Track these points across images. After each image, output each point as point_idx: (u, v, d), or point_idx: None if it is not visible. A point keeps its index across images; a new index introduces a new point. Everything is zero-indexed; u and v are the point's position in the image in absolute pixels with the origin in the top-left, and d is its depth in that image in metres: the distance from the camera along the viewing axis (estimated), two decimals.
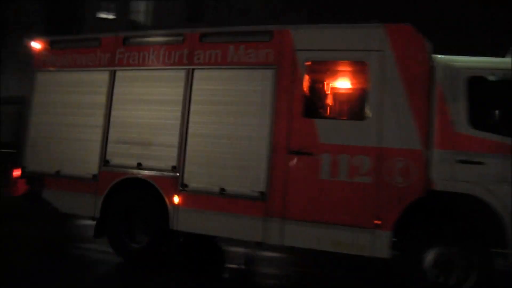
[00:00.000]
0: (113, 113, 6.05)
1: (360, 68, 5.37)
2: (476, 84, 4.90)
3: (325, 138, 5.24)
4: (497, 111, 4.81)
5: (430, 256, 4.95)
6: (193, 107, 5.75)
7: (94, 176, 6.09)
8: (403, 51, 5.15)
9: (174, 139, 5.76)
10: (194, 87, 5.80)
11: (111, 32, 6.37)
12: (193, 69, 5.83)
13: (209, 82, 5.74)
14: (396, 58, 5.15)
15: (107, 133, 6.10)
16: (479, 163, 4.82)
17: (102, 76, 6.20)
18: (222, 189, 5.56)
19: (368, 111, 5.21)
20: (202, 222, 5.57)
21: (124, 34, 6.27)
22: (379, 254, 5.01)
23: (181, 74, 5.83)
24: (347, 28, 5.32)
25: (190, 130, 5.68)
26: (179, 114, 5.75)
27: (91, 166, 6.11)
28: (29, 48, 6.60)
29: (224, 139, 5.59)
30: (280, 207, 5.37)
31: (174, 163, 5.76)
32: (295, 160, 5.30)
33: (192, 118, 5.69)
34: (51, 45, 6.56)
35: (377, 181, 5.07)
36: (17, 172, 6.54)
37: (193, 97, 5.77)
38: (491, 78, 4.85)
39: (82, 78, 6.28)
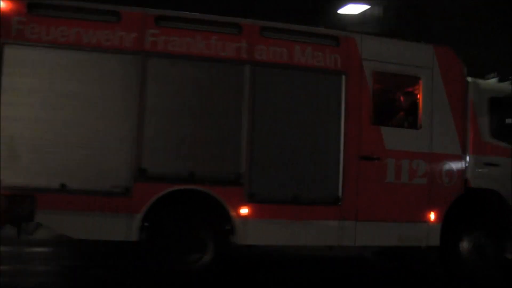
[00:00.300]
0: (148, 107, 4.98)
1: (415, 82, 6.05)
2: (494, 103, 6.31)
3: (389, 145, 5.82)
4: (508, 125, 6.34)
5: (466, 242, 6.18)
6: (257, 108, 5.33)
7: (127, 189, 4.98)
8: (447, 70, 6.04)
9: (237, 146, 5.27)
10: (257, 86, 5.35)
11: (132, 6, 5.18)
12: (254, 65, 5.35)
13: (274, 82, 5.40)
14: (442, 76, 6.02)
15: (141, 135, 5.00)
16: (497, 165, 6.28)
17: (122, 61, 5.03)
18: (295, 197, 5.46)
19: (422, 121, 6.08)
20: (273, 233, 5.35)
21: (158, 12, 5.22)
22: (433, 243, 5.93)
23: (239, 69, 5.26)
24: (408, 44, 5.95)
25: (254, 136, 5.25)
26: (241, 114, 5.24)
27: (119, 177, 4.96)
28: None
29: (296, 146, 5.48)
30: (353, 209, 5.69)
31: (239, 170, 5.27)
32: (365, 165, 5.73)
33: (255, 120, 5.28)
34: (30, 9, 5.00)
35: (430, 182, 5.99)
36: None
37: (257, 99, 5.34)
38: (505, 99, 6.33)
39: (89, 60, 4.96)
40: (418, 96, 6.02)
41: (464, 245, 6.15)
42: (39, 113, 4.86)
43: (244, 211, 5.33)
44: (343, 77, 5.63)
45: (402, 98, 6.30)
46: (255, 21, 5.42)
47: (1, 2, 4.90)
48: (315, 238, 5.51)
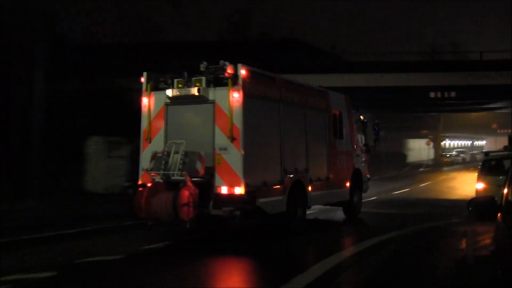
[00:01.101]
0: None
1: (341, 114, 12.84)
2: (364, 124, 13.90)
3: (338, 147, 12.22)
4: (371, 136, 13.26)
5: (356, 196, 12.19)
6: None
7: (280, 181, 10.69)
8: (348, 108, 12.43)
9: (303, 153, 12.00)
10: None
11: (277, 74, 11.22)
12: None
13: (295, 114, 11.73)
14: (347, 111, 12.95)
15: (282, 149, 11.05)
16: (358, 155, 13.51)
17: (274, 107, 11.26)
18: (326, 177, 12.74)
19: (344, 134, 12.99)
20: (318, 198, 12.01)
21: (285, 77, 11.59)
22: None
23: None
24: (339, 96, 12.62)
25: None
26: None
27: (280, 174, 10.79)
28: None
29: (314, 150, 12.10)
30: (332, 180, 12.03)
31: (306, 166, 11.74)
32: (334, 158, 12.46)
33: None
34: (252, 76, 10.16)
35: (347, 164, 11.57)
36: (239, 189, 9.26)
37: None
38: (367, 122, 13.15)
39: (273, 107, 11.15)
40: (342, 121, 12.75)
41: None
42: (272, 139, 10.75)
43: (309, 188, 11.42)
44: (326, 114, 11.96)
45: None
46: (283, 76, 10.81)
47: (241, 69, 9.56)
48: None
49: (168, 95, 10.06)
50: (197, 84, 9.84)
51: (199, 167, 9.73)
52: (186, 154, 9.86)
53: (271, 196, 10.54)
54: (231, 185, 9.65)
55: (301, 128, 11.91)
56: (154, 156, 10.15)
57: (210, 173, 9.76)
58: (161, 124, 10.53)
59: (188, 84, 9.88)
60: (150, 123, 10.52)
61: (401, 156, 68.57)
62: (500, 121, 68.27)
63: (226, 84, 9.80)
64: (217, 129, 9.89)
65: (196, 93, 9.74)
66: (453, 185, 30.07)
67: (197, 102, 9.94)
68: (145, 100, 10.58)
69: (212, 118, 9.89)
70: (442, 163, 62.25)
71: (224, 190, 9.70)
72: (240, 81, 9.65)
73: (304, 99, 12.04)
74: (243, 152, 9.74)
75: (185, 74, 9.89)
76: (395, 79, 28.73)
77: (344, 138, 13.45)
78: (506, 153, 15.47)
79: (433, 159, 66.15)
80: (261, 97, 10.51)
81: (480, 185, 14.56)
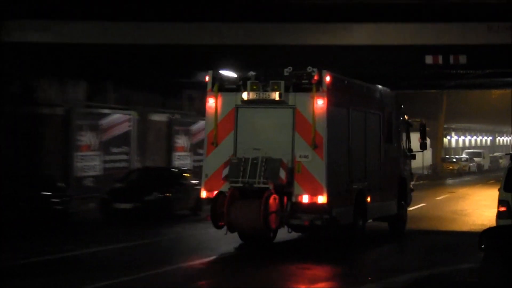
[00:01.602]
0: None
1: None
2: None
3: None
4: None
5: None
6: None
7: (347, 191, 17.05)
8: None
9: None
10: None
11: None
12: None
13: None
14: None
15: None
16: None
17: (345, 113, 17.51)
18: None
19: None
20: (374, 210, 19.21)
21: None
22: None
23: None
24: None
25: None
26: None
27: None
28: None
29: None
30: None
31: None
32: None
33: None
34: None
35: None
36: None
37: None
38: None
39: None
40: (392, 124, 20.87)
41: None
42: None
43: (368, 199, 18.22)
44: (380, 115, 19.92)
45: None
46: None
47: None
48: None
49: (243, 98, 14.87)
50: (275, 88, 14.80)
51: (283, 175, 15.03)
52: (266, 161, 14.94)
53: (342, 206, 16.52)
54: (313, 194, 15.12)
55: (362, 133, 17.48)
56: (228, 162, 15.35)
57: (289, 181, 15.26)
58: (230, 127, 15.34)
59: (265, 88, 14.81)
60: (217, 126, 15.19)
61: None
62: None
63: (307, 90, 15.00)
64: (297, 136, 15.07)
65: (277, 98, 14.76)
66: (463, 208, 31.31)
67: (274, 106, 14.97)
68: (211, 101, 15.34)
69: (292, 124, 15.21)
70: (444, 171, 64.88)
71: (305, 199, 15.17)
72: (324, 88, 14.80)
73: (365, 100, 17.61)
74: (326, 159, 15.00)
75: (262, 77, 15.02)
76: (369, 33, 29.33)
77: (393, 142, 19.95)
78: None
79: (431, 165, 68.67)
80: (339, 103, 15.62)
81: (503, 208, 15.15)
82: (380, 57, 30.65)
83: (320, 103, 15.77)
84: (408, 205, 22.44)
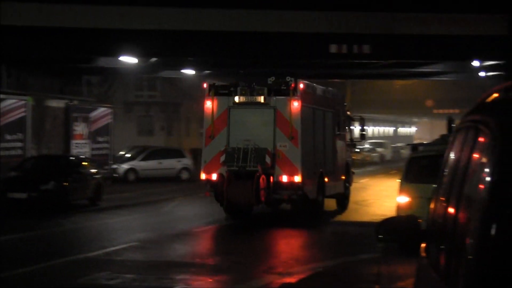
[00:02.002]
0: None
1: None
2: None
3: None
4: None
5: None
6: None
7: (314, 173, 23.08)
8: None
9: None
10: None
11: None
12: None
13: None
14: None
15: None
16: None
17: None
18: None
19: None
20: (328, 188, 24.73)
21: None
22: None
23: None
24: None
25: None
26: None
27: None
28: None
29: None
30: None
31: None
32: None
33: None
34: None
35: None
36: None
37: None
38: None
39: None
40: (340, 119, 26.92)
41: None
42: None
43: (326, 179, 23.71)
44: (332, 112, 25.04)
45: None
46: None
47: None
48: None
49: (235, 101, 19.70)
50: (260, 93, 19.76)
51: (268, 160, 20.03)
52: (255, 150, 19.92)
53: (310, 185, 21.68)
54: (290, 175, 20.13)
55: (322, 127, 23.11)
56: (225, 151, 20.18)
57: (272, 164, 20.28)
58: (224, 124, 20.35)
59: (252, 93, 19.79)
60: (213, 123, 20.23)
61: None
62: (438, 95, 74.75)
63: (285, 94, 20.09)
64: (277, 130, 20.21)
65: (262, 101, 19.85)
66: (364, 199, 32.08)
67: (259, 107, 20.08)
68: (208, 103, 20.40)
69: (274, 121, 20.27)
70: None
71: (284, 178, 20.22)
72: (299, 93, 19.84)
73: (323, 101, 23.20)
74: (300, 148, 20.28)
75: (253, 84, 20.13)
76: (273, 20, 29.68)
77: (340, 134, 25.72)
78: (443, 147, 16.84)
79: None
80: (308, 104, 20.87)
81: (403, 199, 15.68)
82: (285, 45, 31.00)
83: (295, 104, 21.25)
84: (350, 185, 27.86)
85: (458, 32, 30.60)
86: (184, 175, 41.52)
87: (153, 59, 35.13)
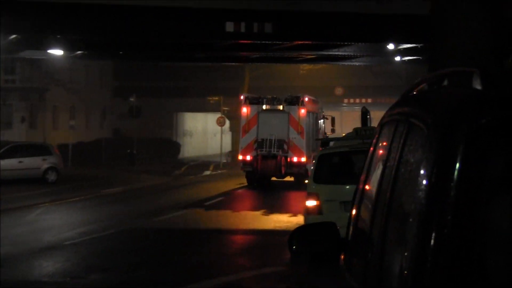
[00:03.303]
0: None
1: None
2: None
3: None
4: None
5: None
6: None
7: (309, 156, 39.42)
8: None
9: None
10: None
11: None
12: None
13: None
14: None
15: None
16: None
17: None
18: None
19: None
20: None
21: None
22: None
23: None
24: None
25: None
26: None
27: None
28: None
29: None
30: None
31: None
32: None
33: None
34: None
35: None
36: None
37: None
38: None
39: None
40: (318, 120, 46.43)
41: None
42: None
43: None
44: (316, 115, 44.80)
45: None
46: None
47: None
48: None
49: (263, 108, 39.57)
50: (280, 103, 40.07)
51: (286, 147, 39.66)
52: (277, 140, 39.57)
53: (310, 163, 33.86)
54: (299, 157, 39.87)
55: (314, 125, 42.77)
56: (256, 141, 39.62)
57: (287, 150, 39.89)
58: (254, 123, 39.63)
59: (274, 103, 39.97)
60: (248, 122, 39.62)
61: (172, 146, 71.50)
62: (349, 83, 76.11)
63: (295, 104, 40.15)
64: (290, 128, 39.92)
65: (281, 108, 40.01)
66: (271, 202, 32.27)
67: (278, 112, 39.94)
68: (244, 109, 39.97)
69: (287, 121, 39.94)
70: None
71: (295, 159, 39.92)
72: (304, 104, 40.27)
73: (314, 107, 42.96)
74: (305, 139, 40.21)
75: (274, 97, 40.37)
76: None
77: (319, 129, 44.84)
78: (356, 142, 17.09)
79: (231, 152, 70.40)
80: (308, 111, 40.89)
81: (312, 202, 15.87)
82: (173, 23, 30.86)
83: (302, 111, 39.44)
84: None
85: (372, 11, 31.17)
86: (51, 176, 40.77)
87: (12, 37, 34.50)
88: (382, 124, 4.61)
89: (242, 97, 40.72)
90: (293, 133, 39.13)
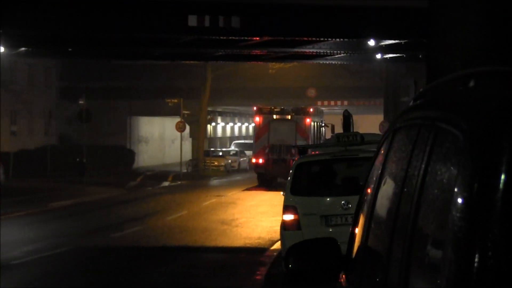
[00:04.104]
0: None
1: None
2: None
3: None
4: None
5: None
6: None
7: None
8: None
9: None
10: None
11: None
12: None
13: None
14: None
15: None
16: None
17: None
18: None
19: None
20: None
21: None
22: None
23: None
24: None
25: None
26: None
27: None
28: None
29: None
30: None
31: None
32: None
33: None
34: None
35: None
36: None
37: None
38: None
39: None
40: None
41: None
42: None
43: None
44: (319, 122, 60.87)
45: None
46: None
47: None
48: None
49: (273, 117, 53.28)
50: (288, 113, 54.25)
51: (294, 151, 45.15)
52: (285, 146, 51.37)
53: None
54: None
55: (317, 132, 56.47)
56: (268, 146, 52.56)
57: (295, 153, 38.95)
58: (266, 130, 53.36)
59: (282, 113, 54.18)
60: (260, 130, 53.42)
61: (125, 154, 71.00)
62: (323, 84, 76.30)
63: (302, 114, 54.59)
64: (297, 134, 53.23)
65: (289, 118, 53.81)
66: (234, 217, 32.29)
67: (286, 121, 53.83)
68: (257, 118, 54.13)
69: (295, 129, 53.26)
70: (209, 169, 66.49)
71: None
72: (310, 114, 54.83)
73: (317, 115, 57.60)
74: (310, 143, 51.30)
75: (283, 108, 55.57)
76: None
77: (321, 134, 58.55)
78: (338, 149, 17.03)
79: (192, 160, 70.28)
80: (313, 120, 55.49)
81: (289, 216, 15.81)
82: (128, 16, 30.76)
83: (308, 120, 52.23)
84: None
85: (350, 3, 31.26)
86: None
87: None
88: (394, 129, 4.53)
89: (255, 108, 54.07)
90: (300, 140, 49.91)
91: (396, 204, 3.98)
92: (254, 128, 53.31)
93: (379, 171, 4.68)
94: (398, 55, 42.80)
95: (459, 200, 2.94)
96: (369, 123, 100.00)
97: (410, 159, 3.88)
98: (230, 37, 34.89)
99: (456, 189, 3.00)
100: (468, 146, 3.04)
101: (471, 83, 3.83)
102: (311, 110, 52.03)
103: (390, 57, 44.49)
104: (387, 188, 4.39)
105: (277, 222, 25.71)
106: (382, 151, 4.73)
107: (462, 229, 2.86)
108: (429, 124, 3.69)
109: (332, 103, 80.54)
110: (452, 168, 3.16)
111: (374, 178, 4.78)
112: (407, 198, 3.73)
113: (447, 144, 3.33)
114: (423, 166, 3.59)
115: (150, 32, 33.68)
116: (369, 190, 4.97)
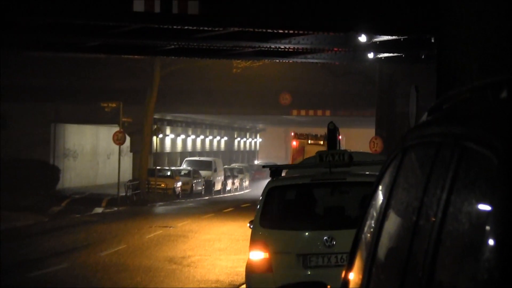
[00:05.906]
0: None
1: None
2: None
3: None
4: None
5: None
6: None
7: None
8: None
9: None
10: None
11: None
12: None
13: None
14: None
15: None
16: None
17: None
18: None
19: None
20: None
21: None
22: None
23: None
24: None
25: None
26: None
27: None
28: None
29: None
30: None
31: None
32: None
33: None
34: None
35: None
36: None
37: None
38: None
39: None
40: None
41: None
42: None
43: None
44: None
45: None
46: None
47: None
48: None
49: (308, 142, 71.17)
50: (320, 138, 70.52)
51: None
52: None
53: None
54: None
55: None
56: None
57: None
58: (301, 153, 69.18)
59: (315, 139, 72.07)
60: (295, 152, 71.41)
61: (48, 171, 70.56)
62: (299, 88, 76.54)
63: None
64: None
65: (321, 143, 68.66)
66: (185, 254, 32.39)
67: (319, 146, 66.73)
68: (294, 143, 72.15)
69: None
70: (154, 191, 66.42)
71: None
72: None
73: (342, 139, 73.77)
74: None
75: (317, 135, 73.26)
76: None
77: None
78: (323, 172, 17.06)
79: (131, 182, 70.13)
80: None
81: (258, 254, 15.85)
82: (65, 2, 30.83)
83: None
84: None
85: None
86: None
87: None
88: (405, 148, 4.55)
89: (292, 134, 70.80)
90: None
91: (408, 243, 4.00)
92: (291, 151, 71.48)
93: (384, 200, 4.69)
94: (395, 54, 43.11)
95: (491, 242, 2.94)
96: (357, 138, 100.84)
97: (427, 186, 3.89)
98: (186, 27, 34.99)
99: (488, 227, 3.01)
100: (503, 171, 3.06)
101: (504, 94, 3.83)
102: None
103: (385, 57, 44.80)
104: (395, 221, 4.42)
105: (239, 262, 25.83)
106: (388, 175, 4.74)
107: (494, 280, 2.86)
108: (451, 143, 3.70)
109: (311, 112, 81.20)
110: (482, 198, 3.17)
111: (377, 209, 4.80)
112: (423, 236, 3.74)
113: (476, 168, 3.34)
114: (444, 195, 3.61)
115: (85, 18, 33.72)
116: (367, 223, 4.99)
